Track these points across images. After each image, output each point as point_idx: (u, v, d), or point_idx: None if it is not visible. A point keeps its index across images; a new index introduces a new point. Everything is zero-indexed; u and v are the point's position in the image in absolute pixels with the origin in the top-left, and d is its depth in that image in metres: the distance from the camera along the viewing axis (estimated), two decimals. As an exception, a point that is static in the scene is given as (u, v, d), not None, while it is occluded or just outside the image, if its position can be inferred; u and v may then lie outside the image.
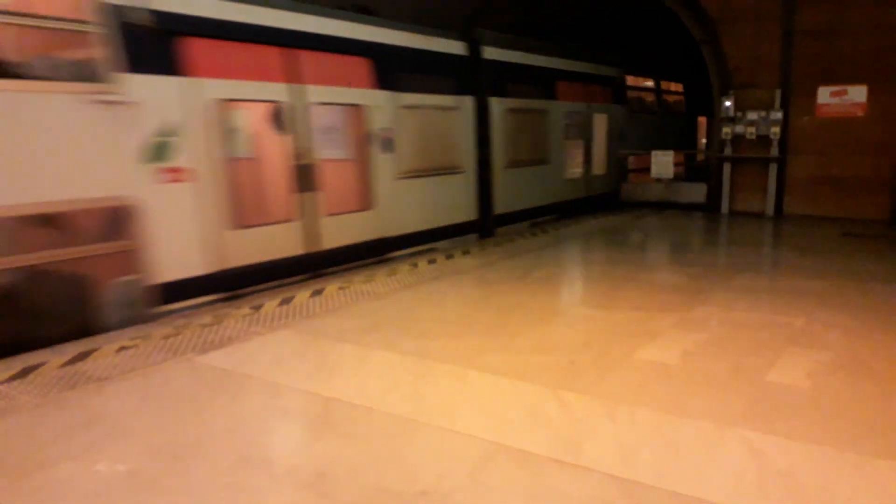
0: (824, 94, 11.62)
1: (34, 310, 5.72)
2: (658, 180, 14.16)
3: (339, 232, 8.30)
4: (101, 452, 3.55)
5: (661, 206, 13.89)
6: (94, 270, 6.02)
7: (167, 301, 6.46)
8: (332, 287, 7.16)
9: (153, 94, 6.27)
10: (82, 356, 5.07)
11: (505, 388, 4.34)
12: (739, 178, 12.70)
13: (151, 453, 3.54)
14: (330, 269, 8.16)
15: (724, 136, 12.50)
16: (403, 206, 9.31)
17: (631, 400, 4.07)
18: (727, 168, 12.71)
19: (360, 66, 8.54)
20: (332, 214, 8.19)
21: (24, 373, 4.74)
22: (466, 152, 10.60)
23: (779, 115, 11.87)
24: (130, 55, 6.10)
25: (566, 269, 8.44)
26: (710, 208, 13.11)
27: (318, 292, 6.97)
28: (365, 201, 8.76)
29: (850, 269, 7.62)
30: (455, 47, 10.33)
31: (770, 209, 12.34)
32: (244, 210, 7.46)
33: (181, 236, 6.58)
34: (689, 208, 13.48)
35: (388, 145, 8.94)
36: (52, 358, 5.03)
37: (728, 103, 12.34)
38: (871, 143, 11.33)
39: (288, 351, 5.22)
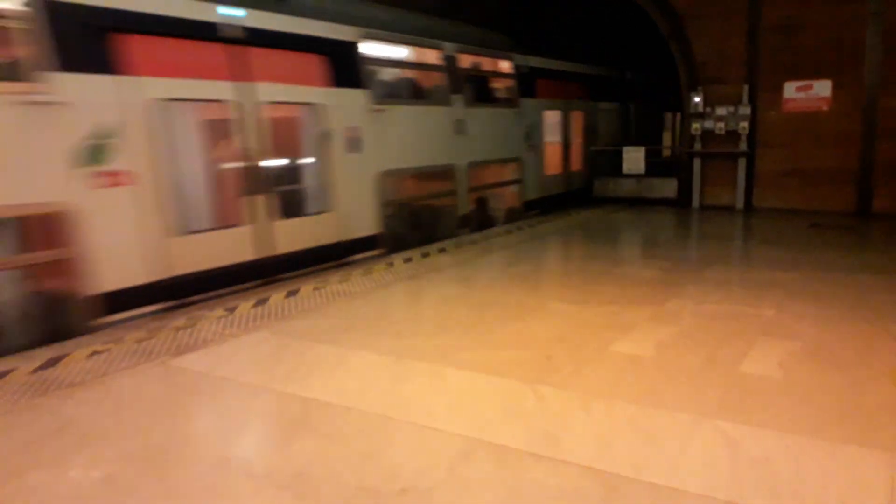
0: (790, 89, 11.85)
1: (490, 212, 12.30)
2: (630, 176, 14.32)
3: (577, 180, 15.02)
4: (74, 459, 3.49)
5: (634, 202, 14.04)
6: (506, 194, 12.71)
7: (526, 211, 12.75)
8: (307, 288, 7.12)
9: (527, 108, 12.68)
10: (53, 362, 4.98)
11: (482, 384, 4.35)
12: (709, 173, 12.89)
13: (126, 458, 3.49)
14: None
15: (693, 132, 12.66)
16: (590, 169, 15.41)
17: (607, 393, 4.11)
18: (697, 163, 12.88)
19: (583, 87, 15.08)
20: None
21: (-7, 380, 4.64)
22: (616, 136, 16.63)
23: (747, 110, 12.06)
24: (522, 88, 12.52)
25: (540, 265, 8.49)
26: (681, 203, 13.28)
27: (292, 293, 6.92)
28: (576, 166, 15.06)
29: (818, 261, 7.78)
30: (614, 73, 16.62)
31: (740, 203, 12.54)
32: (546, 165, 13.74)
33: (532, 178, 13.08)
34: (661, 203, 13.65)
35: (594, 132, 15.52)
36: (22, 364, 4.93)
37: (697, 99, 12.50)
38: (836, 137, 11.57)
39: (264, 352, 5.18)
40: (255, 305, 6.48)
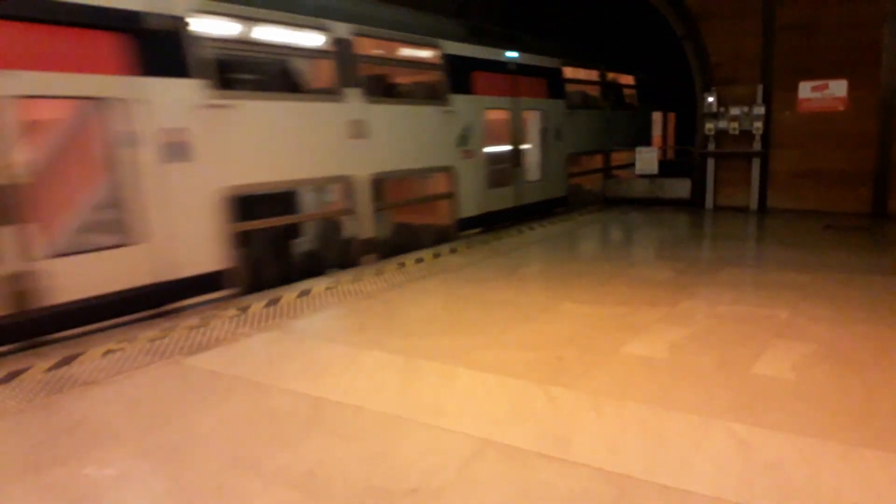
0: (805, 89, 11.73)
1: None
2: (642, 176, 14.23)
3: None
4: (88, 456, 3.53)
5: (646, 203, 13.95)
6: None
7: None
8: (319, 287, 7.15)
9: (643, 111, 17.99)
10: (68, 360, 5.03)
11: (493, 384, 4.35)
12: (723, 174, 12.78)
13: (140, 456, 3.52)
14: None
15: (707, 132, 12.57)
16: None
17: (618, 394, 4.10)
18: (711, 163, 12.80)
19: (673, 92, 18.50)
20: None
21: (9, 378, 4.69)
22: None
23: (761, 110, 11.95)
24: (641, 95, 17.66)
25: (552, 265, 8.47)
26: (694, 204, 13.19)
27: (304, 293, 6.95)
28: (670, 154, 18.31)
29: (832, 262, 7.71)
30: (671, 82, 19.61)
31: (754, 204, 12.43)
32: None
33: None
34: (674, 204, 13.55)
35: (692, 129, 17.32)
36: (38, 362, 4.99)
37: (711, 99, 12.41)
38: (851, 137, 11.44)
39: (276, 351, 5.21)
40: (268, 305, 6.52)
